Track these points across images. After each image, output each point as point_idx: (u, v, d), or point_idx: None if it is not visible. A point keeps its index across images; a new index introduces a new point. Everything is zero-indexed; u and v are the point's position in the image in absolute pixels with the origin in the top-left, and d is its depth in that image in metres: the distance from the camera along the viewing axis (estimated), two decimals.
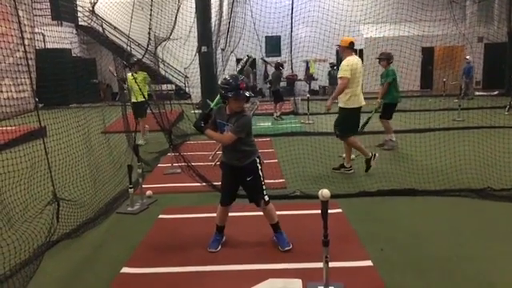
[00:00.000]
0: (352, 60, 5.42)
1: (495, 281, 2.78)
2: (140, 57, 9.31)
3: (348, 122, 5.60)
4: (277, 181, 5.25)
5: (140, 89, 7.34)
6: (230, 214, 3.48)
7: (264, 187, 3.31)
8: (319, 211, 2.55)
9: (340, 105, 5.61)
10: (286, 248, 3.29)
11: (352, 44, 5.53)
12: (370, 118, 6.98)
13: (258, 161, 3.30)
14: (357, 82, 5.45)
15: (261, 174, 3.30)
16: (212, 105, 3.61)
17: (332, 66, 16.48)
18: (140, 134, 8.34)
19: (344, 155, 6.58)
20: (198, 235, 3.63)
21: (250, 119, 3.23)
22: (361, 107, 5.59)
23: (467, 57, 15.58)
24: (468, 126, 8.87)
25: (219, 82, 3.23)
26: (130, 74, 7.74)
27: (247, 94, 3.10)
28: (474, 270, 2.94)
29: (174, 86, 17.74)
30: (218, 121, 3.27)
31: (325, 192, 2.50)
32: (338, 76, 5.58)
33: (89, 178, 5.12)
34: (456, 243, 3.38)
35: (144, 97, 7.52)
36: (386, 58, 7.19)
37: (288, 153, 6.02)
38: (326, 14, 9.50)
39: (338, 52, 19.73)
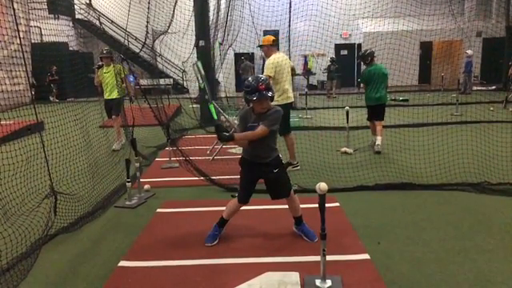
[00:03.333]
0: (277, 57, 5.33)
1: (491, 274, 2.80)
2: (137, 50, 9.23)
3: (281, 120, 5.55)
4: None
5: (116, 84, 6.90)
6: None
7: (289, 179, 3.41)
8: (317, 205, 2.56)
9: (273, 102, 5.56)
10: (316, 240, 3.31)
11: (274, 41, 5.45)
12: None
13: (280, 156, 3.40)
14: (284, 78, 5.38)
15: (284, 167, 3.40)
16: (213, 116, 3.66)
17: (332, 60, 16.38)
18: (116, 135, 7.39)
19: (342, 149, 6.61)
20: (195, 229, 3.64)
21: (282, 113, 3.26)
22: (291, 103, 5.52)
23: (468, 51, 15.51)
24: (466, 121, 8.89)
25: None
26: (102, 69, 7.16)
27: (270, 94, 3.15)
28: (470, 263, 2.95)
29: (171, 81, 17.72)
30: (249, 125, 3.28)
31: (322, 186, 2.51)
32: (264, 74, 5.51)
33: (87, 172, 5.12)
34: (453, 236, 3.40)
35: (118, 92, 7.05)
36: (360, 61, 7.23)
37: (286, 147, 6.01)
38: (325, 8, 9.46)
39: (336, 46, 19.89)
